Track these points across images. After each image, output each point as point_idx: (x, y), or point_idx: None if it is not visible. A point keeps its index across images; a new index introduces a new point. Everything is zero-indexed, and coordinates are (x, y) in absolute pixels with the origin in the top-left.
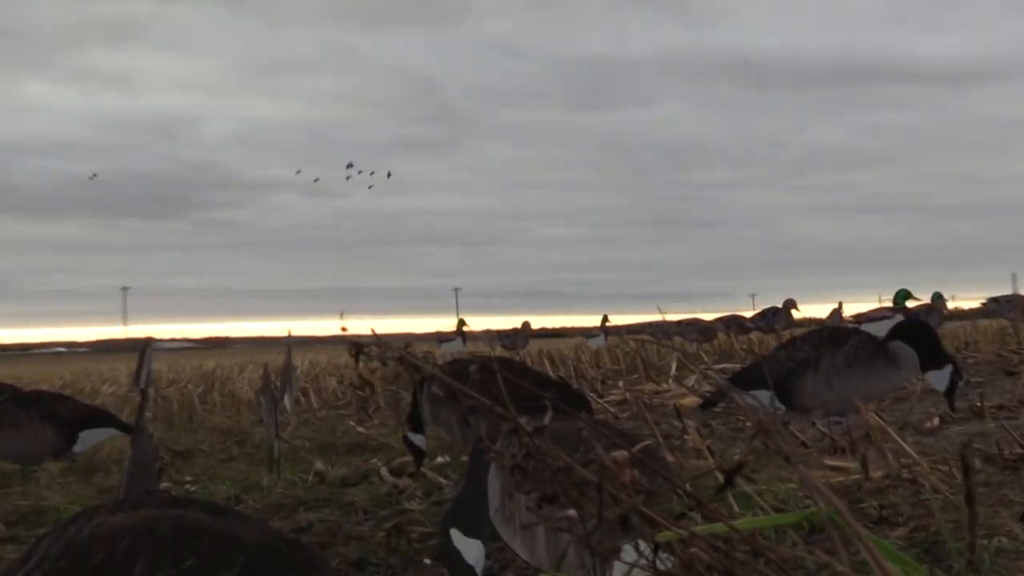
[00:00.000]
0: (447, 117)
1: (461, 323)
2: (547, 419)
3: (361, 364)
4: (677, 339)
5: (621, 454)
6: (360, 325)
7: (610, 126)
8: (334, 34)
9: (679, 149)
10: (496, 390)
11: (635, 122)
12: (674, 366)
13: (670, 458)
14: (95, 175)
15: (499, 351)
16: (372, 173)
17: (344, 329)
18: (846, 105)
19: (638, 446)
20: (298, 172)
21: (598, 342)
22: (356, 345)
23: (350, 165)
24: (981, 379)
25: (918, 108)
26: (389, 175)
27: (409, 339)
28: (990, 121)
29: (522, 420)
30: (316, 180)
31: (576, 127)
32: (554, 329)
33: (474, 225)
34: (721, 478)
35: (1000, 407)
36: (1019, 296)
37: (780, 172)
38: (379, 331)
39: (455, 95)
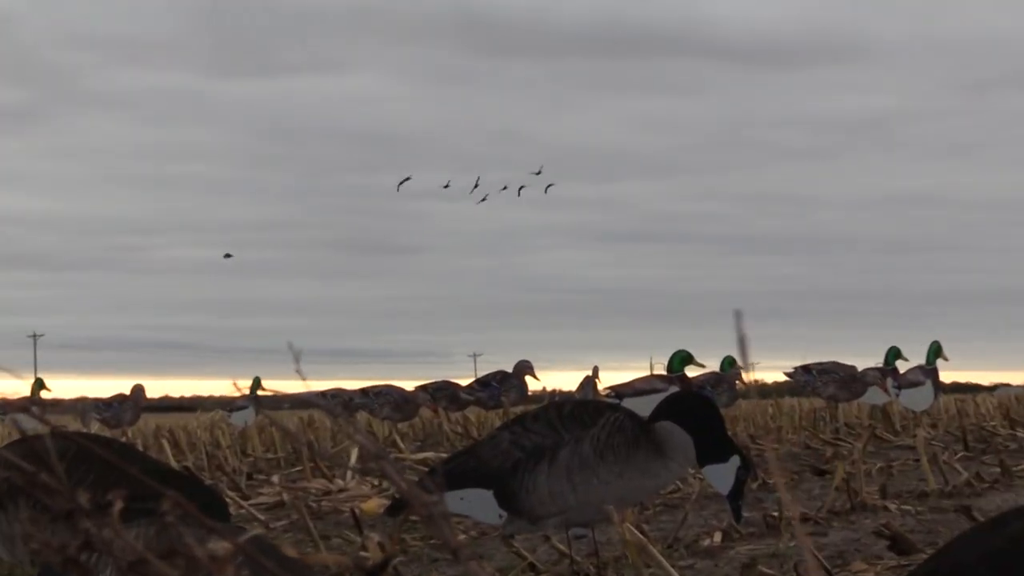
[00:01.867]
0: (30, 76)
1: (38, 385)
2: (121, 502)
3: None
4: (362, 415)
5: (222, 545)
6: None
7: (278, 98)
8: None
9: (373, 137)
10: (87, 476)
11: (317, 95)
12: (354, 455)
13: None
14: None
15: (96, 428)
16: None
17: None
18: (613, 85)
19: (246, 535)
20: None
21: (245, 417)
22: None
23: None
24: (785, 479)
25: (710, 95)
26: None
27: None
28: (807, 116)
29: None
30: None
31: (222, 97)
32: (181, 398)
33: (65, 239)
34: None
35: (805, 519)
36: (837, 365)
37: (516, 177)
38: None
39: (43, 44)
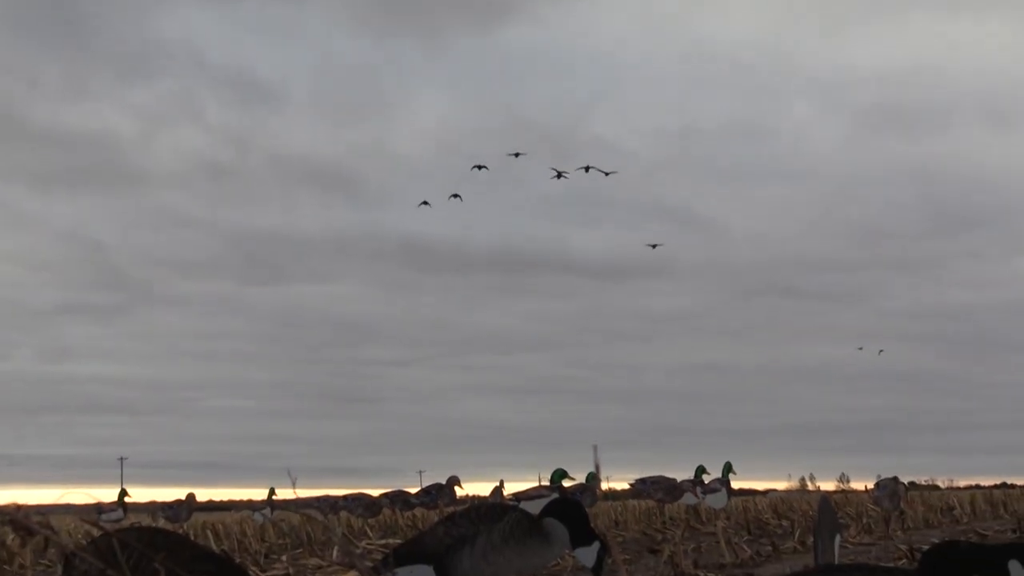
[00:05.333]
0: (118, 283)
1: (123, 494)
2: None
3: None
4: (343, 514)
5: None
6: (14, 495)
7: (282, 300)
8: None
9: (350, 326)
10: (149, 563)
11: (307, 297)
12: (336, 544)
13: None
14: None
15: (162, 523)
16: None
17: None
18: (509, 291)
19: None
20: None
21: (263, 515)
22: None
23: None
24: (628, 556)
25: (574, 297)
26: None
27: (43, 510)
28: (640, 312)
29: None
30: None
31: (248, 300)
32: (220, 502)
33: (142, 394)
34: None
35: None
36: (663, 478)
37: (447, 352)
38: (39, 501)
39: (127, 262)
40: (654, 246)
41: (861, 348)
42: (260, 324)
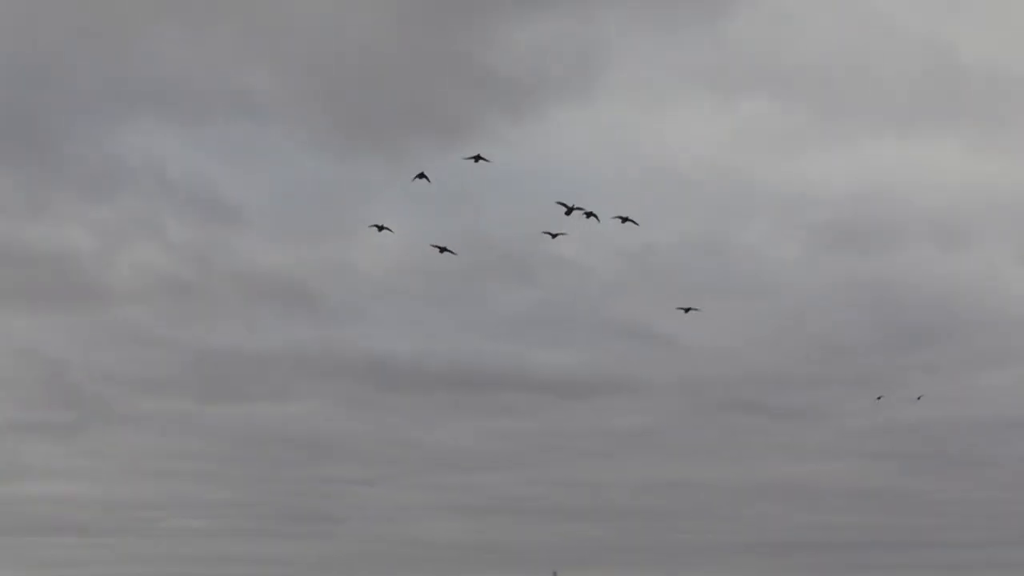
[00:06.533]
0: (75, 401)
1: None
2: None
3: None
4: None
5: None
6: None
7: (243, 419)
8: None
9: (311, 444)
10: None
11: (268, 416)
12: None
13: None
14: None
15: None
16: None
17: None
18: (470, 409)
19: None
20: None
21: None
22: None
23: None
24: None
25: (536, 415)
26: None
27: None
28: (602, 430)
29: None
30: None
31: (208, 418)
32: None
33: (97, 514)
34: None
35: None
36: None
37: (409, 471)
38: None
39: (85, 379)
40: (687, 310)
41: (880, 397)
42: (220, 443)
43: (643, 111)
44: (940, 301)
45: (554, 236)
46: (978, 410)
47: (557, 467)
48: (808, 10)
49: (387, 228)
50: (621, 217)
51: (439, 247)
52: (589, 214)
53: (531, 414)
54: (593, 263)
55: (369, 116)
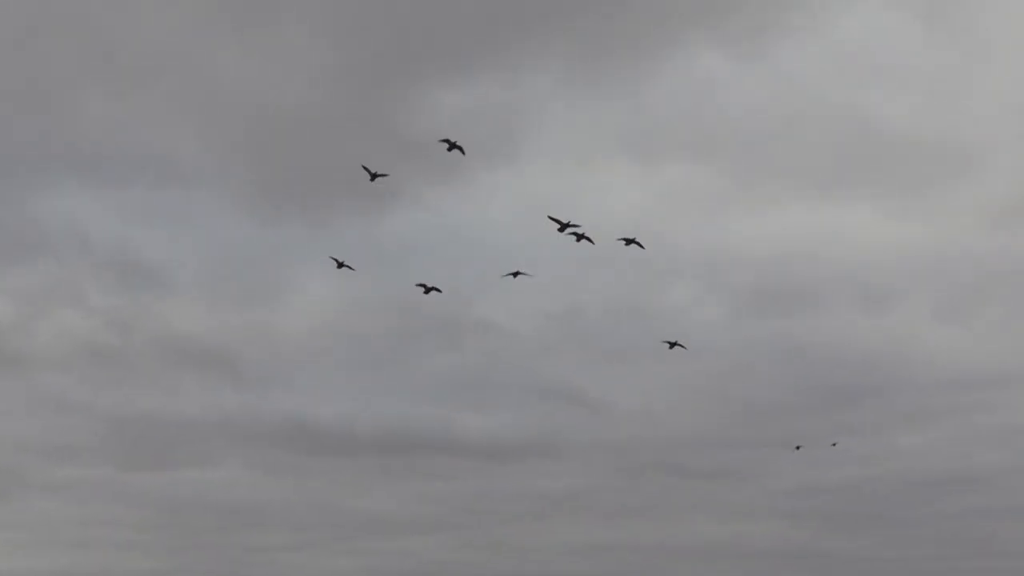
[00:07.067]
0: None
1: None
2: None
3: None
4: None
5: None
6: None
7: (165, 486)
8: None
9: (234, 511)
10: None
11: (190, 483)
12: None
13: None
14: None
15: None
16: None
17: None
18: (396, 473)
19: None
20: None
21: None
22: None
23: None
24: None
25: (463, 479)
26: None
27: None
28: (530, 493)
29: None
30: None
31: (129, 486)
32: None
33: None
34: None
35: None
36: None
37: (336, 536)
38: None
39: (1, 449)
40: (798, 447)
41: (799, 447)
42: (141, 510)
43: (567, 176)
44: (861, 362)
45: (515, 276)
46: (899, 469)
47: (486, 531)
48: (730, 76)
49: (347, 265)
50: (626, 239)
51: (424, 286)
52: (581, 236)
53: (459, 478)
54: (518, 326)
55: (294, 181)
